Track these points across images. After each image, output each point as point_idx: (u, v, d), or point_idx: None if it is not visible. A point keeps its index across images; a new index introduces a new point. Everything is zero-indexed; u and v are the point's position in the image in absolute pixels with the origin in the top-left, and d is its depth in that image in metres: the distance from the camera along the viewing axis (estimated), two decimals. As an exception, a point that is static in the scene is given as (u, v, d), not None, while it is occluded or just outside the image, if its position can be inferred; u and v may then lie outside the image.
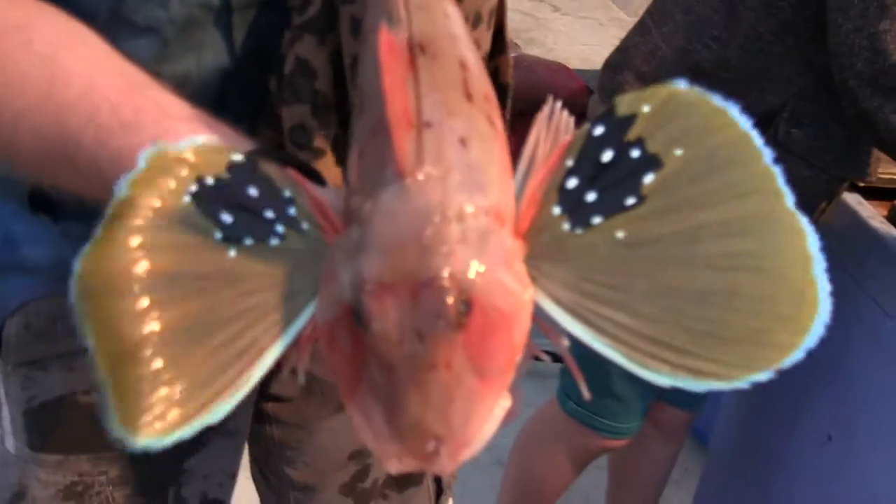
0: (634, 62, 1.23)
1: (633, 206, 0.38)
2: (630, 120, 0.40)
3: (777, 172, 0.39)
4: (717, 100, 0.40)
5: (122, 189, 0.41)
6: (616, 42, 1.35)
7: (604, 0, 3.38)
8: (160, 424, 0.37)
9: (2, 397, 0.73)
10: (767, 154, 0.39)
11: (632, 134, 0.39)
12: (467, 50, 0.44)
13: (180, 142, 0.42)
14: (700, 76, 1.15)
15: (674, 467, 1.66)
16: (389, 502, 0.86)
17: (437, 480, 0.86)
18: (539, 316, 0.37)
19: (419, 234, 0.34)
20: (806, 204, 1.45)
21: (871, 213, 1.27)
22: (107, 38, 0.54)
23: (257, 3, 0.60)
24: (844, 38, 1.08)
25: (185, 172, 0.41)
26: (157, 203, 0.41)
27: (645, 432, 1.56)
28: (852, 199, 1.29)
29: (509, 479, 1.58)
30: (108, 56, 0.53)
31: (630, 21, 1.62)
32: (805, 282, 0.37)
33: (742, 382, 0.35)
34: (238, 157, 0.42)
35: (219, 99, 0.61)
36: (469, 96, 0.41)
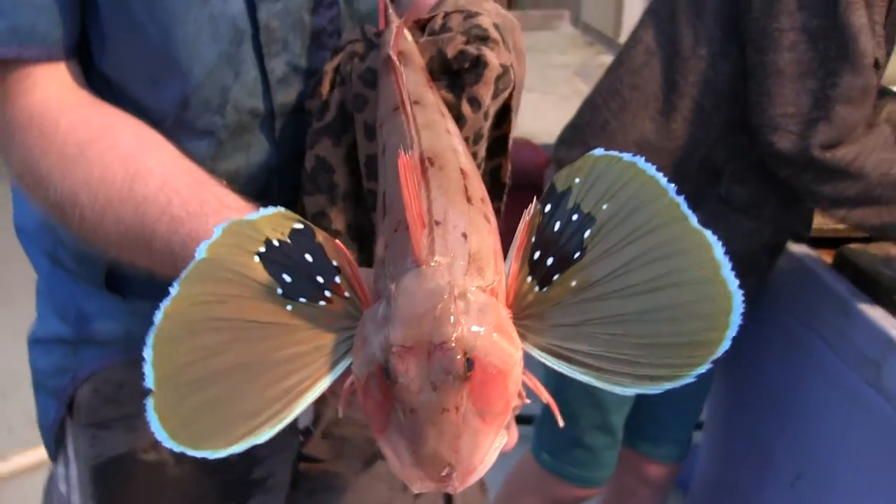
0: (585, 137, 1.31)
1: (578, 259, 0.47)
2: (567, 192, 0.49)
3: (680, 202, 0.46)
4: (626, 156, 0.49)
5: (201, 252, 0.48)
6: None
7: (568, 75, 3.50)
8: (218, 440, 0.44)
9: (71, 455, 0.79)
10: (671, 189, 0.47)
11: (570, 203, 0.49)
12: (466, 161, 0.54)
13: (252, 213, 0.50)
14: (647, 148, 1.23)
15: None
16: None
17: (447, 498, 0.91)
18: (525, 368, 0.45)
19: (433, 308, 0.42)
20: (752, 253, 1.54)
21: (818, 261, 1.34)
22: (172, 140, 0.63)
23: (295, 110, 0.70)
24: (767, 120, 1.15)
25: (254, 237, 0.49)
26: (230, 262, 0.48)
27: (634, 489, 1.60)
28: (799, 248, 1.36)
29: None
30: (177, 157, 0.62)
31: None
32: (717, 283, 0.44)
33: (688, 378, 0.43)
34: (299, 225, 0.50)
35: (264, 190, 0.70)
36: (469, 199, 0.50)
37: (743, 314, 0.43)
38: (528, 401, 0.49)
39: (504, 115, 0.67)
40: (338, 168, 0.67)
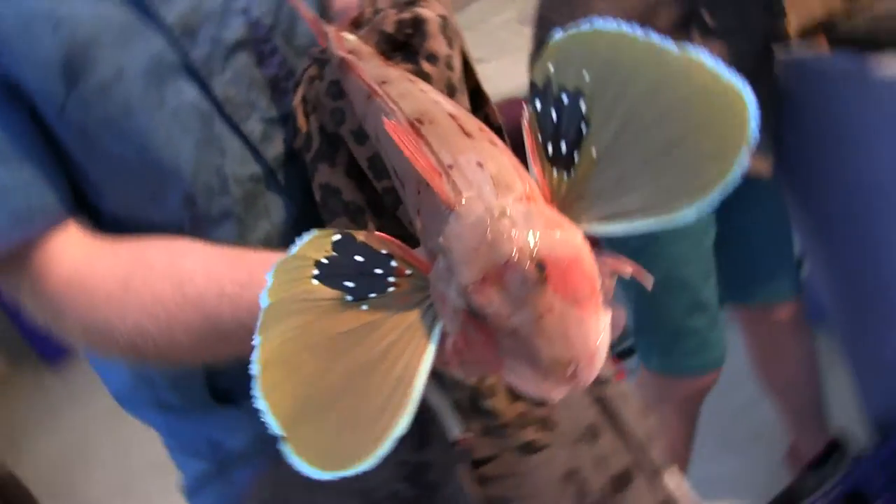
0: (553, 23, 1.30)
1: (587, 131, 0.48)
2: (548, 83, 0.50)
3: (653, 36, 0.48)
4: (583, 26, 0.50)
5: (263, 301, 0.49)
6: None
7: (516, 28, 3.56)
8: (362, 448, 0.44)
9: None
10: (639, 31, 0.48)
11: (555, 90, 0.50)
12: (450, 106, 0.55)
13: (290, 248, 0.51)
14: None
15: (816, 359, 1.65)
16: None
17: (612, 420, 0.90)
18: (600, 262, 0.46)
19: (483, 236, 0.43)
20: (748, 72, 1.53)
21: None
22: (197, 238, 0.66)
23: (288, 157, 0.71)
24: None
25: (303, 265, 0.50)
26: (293, 296, 0.49)
27: (777, 344, 1.58)
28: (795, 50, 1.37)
29: None
30: (208, 248, 0.65)
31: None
32: (721, 87, 0.45)
33: (735, 172, 0.43)
34: (336, 236, 0.51)
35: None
36: (468, 134, 0.51)
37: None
38: (614, 278, 0.49)
39: (469, 68, 0.68)
40: (343, 187, 0.67)
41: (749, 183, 1.00)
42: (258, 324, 0.49)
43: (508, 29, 3.68)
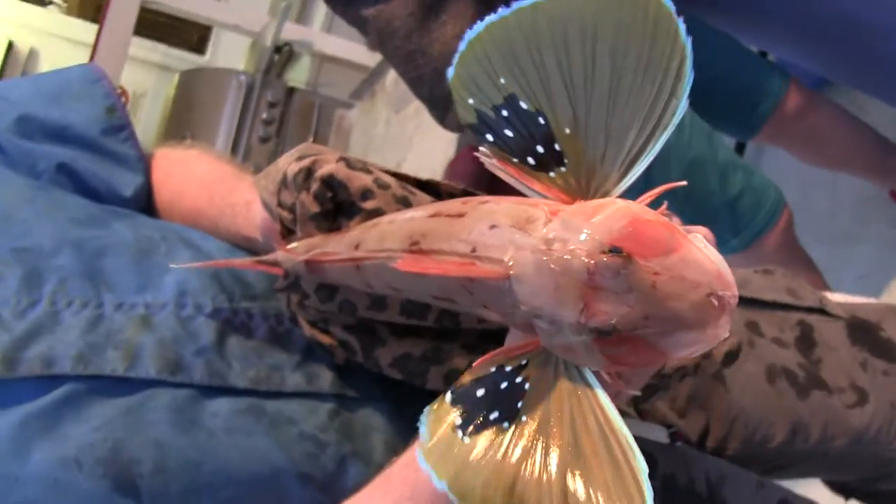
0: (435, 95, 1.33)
1: (547, 120, 0.48)
2: (480, 113, 0.50)
3: None
4: (469, 35, 0.49)
5: (423, 464, 0.46)
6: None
7: (397, 120, 3.55)
8: None
9: None
10: (499, 10, 0.48)
11: (491, 113, 0.49)
12: (422, 211, 0.54)
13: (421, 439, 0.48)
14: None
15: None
16: None
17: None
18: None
19: (553, 273, 0.44)
20: None
21: None
22: (330, 495, 0.65)
23: (343, 376, 0.70)
24: None
25: (446, 438, 0.47)
26: (462, 465, 0.46)
27: (799, 127, 1.55)
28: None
29: None
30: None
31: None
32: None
33: (687, 51, 0.44)
34: (448, 395, 0.49)
35: None
36: (460, 215, 0.50)
37: None
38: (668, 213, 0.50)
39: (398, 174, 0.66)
40: (408, 349, 0.66)
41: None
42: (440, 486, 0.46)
43: (391, 124, 3.74)
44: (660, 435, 0.79)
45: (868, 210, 1.85)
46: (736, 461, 0.83)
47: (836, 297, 0.96)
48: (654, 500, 0.42)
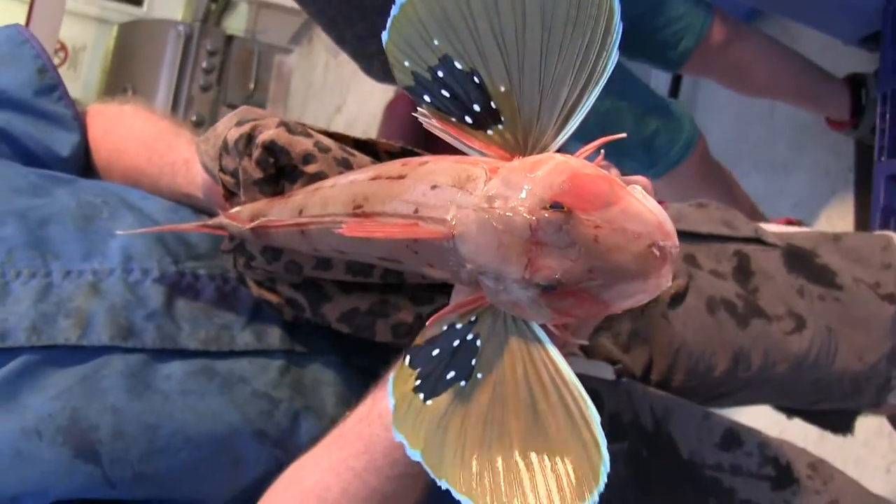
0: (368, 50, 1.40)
1: (482, 78, 0.48)
2: (416, 75, 0.50)
3: None
4: (393, 11, 0.49)
5: (415, 455, 0.48)
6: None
7: (335, 64, 3.52)
8: (587, 476, 0.43)
9: None
10: None
11: (427, 75, 0.50)
12: (362, 174, 0.54)
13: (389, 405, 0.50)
14: None
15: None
16: None
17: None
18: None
19: (495, 231, 0.44)
20: None
21: None
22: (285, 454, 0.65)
23: (291, 333, 0.70)
24: None
25: (411, 402, 0.49)
26: (428, 428, 0.48)
27: (727, 57, 1.57)
28: None
29: None
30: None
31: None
32: None
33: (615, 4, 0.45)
34: (406, 358, 0.50)
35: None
36: (400, 177, 0.50)
37: None
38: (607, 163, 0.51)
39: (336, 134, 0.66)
40: (354, 303, 0.66)
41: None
42: (430, 474, 0.47)
43: (330, 68, 3.71)
44: (606, 372, 0.80)
45: (804, 138, 1.87)
46: (681, 393, 0.85)
47: (770, 228, 0.98)
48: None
